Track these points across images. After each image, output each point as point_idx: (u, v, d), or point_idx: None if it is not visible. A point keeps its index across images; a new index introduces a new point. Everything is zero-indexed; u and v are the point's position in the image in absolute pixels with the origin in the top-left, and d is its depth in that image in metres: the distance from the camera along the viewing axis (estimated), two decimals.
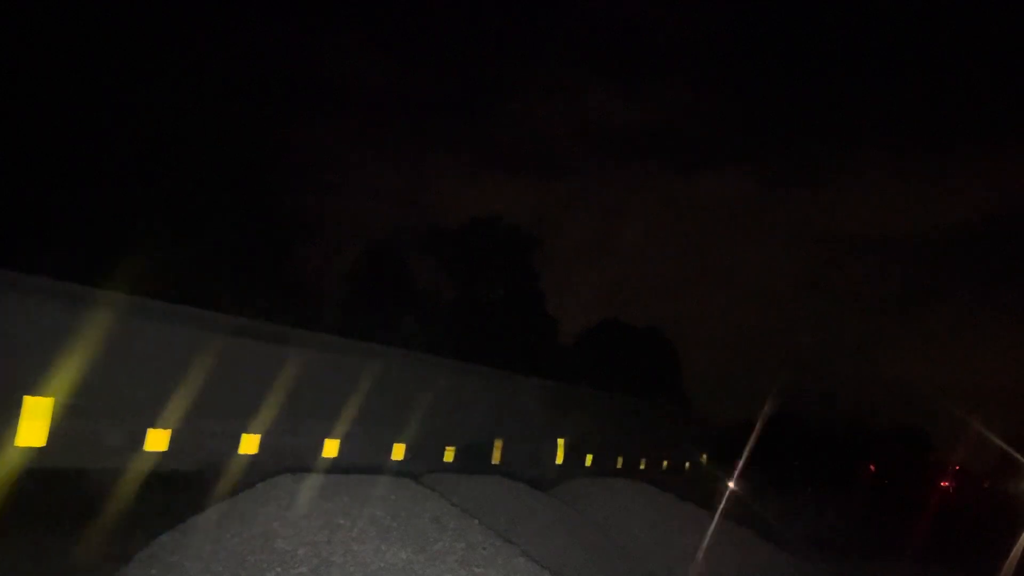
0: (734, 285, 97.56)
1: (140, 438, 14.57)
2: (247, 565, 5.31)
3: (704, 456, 42.21)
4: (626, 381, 39.94)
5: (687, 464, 40.14)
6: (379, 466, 18.58)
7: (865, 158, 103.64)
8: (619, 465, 32.31)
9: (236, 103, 30.25)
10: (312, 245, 35.15)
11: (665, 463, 37.29)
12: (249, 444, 16.78)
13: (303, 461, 17.01)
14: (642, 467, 34.26)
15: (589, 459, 30.07)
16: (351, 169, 68.10)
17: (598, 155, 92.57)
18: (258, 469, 15.92)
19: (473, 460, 22.87)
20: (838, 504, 27.73)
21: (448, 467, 21.68)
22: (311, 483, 6.25)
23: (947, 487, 55.94)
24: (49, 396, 12.97)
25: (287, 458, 16.87)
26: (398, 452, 20.72)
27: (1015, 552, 18.28)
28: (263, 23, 49.42)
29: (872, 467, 58.72)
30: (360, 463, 18.27)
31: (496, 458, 24.78)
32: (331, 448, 18.97)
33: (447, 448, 22.61)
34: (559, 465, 27.75)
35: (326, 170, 60.23)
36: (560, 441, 28.59)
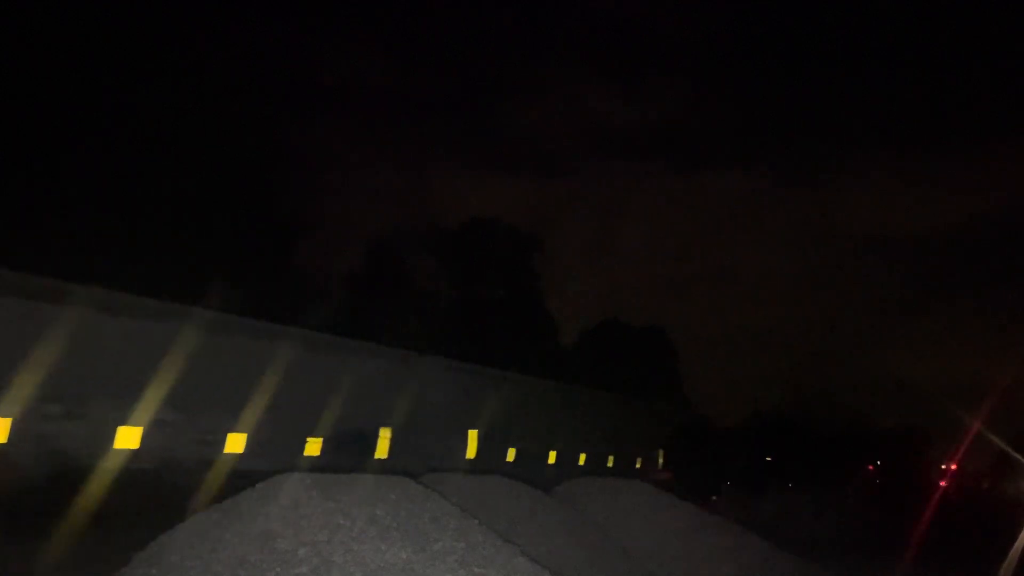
0: (734, 285, 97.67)
1: None
2: (247, 565, 5.31)
3: (661, 452, 39.15)
4: (626, 381, 39.91)
5: (639, 461, 36.83)
6: (208, 460, 16.05)
7: (865, 158, 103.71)
8: (551, 460, 29.17)
9: (236, 103, 30.27)
10: (312, 245, 35.21)
11: (611, 459, 33.86)
12: None
13: (83, 453, 14.06)
14: (581, 463, 31.17)
15: (512, 453, 26.87)
16: (351, 169, 68.11)
17: (598, 155, 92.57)
18: (8, 462, 13.22)
19: (349, 453, 19.89)
20: (838, 504, 27.73)
21: (314, 462, 18.65)
22: (311, 483, 6.26)
23: (946, 487, 55.91)
24: None
25: (58, 448, 13.88)
26: (235, 444, 17.18)
27: (1014, 552, 18.30)
28: (263, 23, 49.42)
29: (872, 467, 58.73)
30: (176, 456, 15.64)
31: (382, 451, 21.55)
32: (128, 438, 15.13)
33: (309, 439, 19.31)
34: (470, 460, 24.66)
35: (326, 170, 60.26)
36: (472, 432, 25.27)
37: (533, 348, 37.53)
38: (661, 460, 39.16)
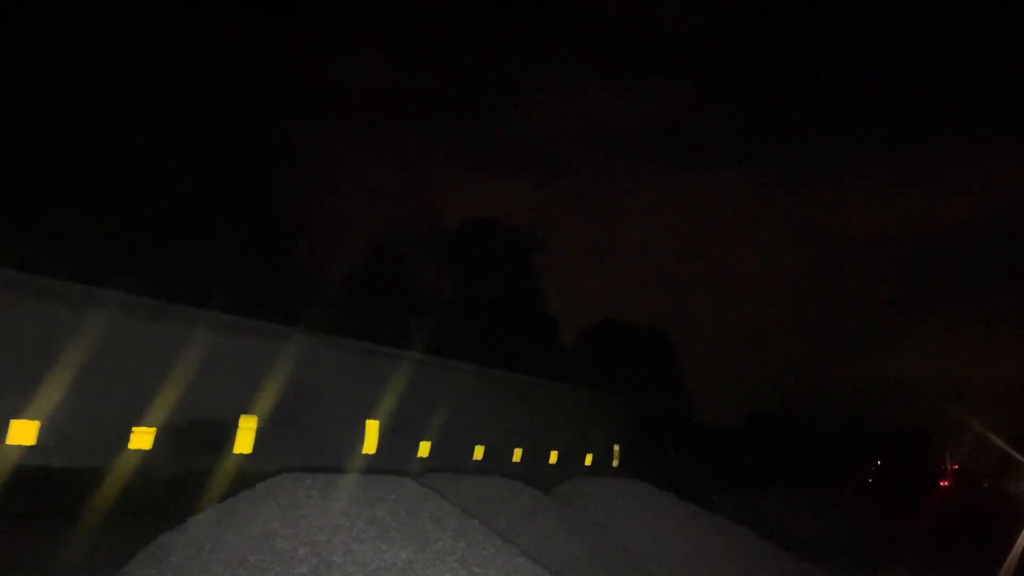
0: (734, 285, 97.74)
1: None
2: (247, 565, 5.31)
3: (617, 447, 36.50)
4: (626, 381, 39.90)
5: (589, 457, 33.73)
6: None
7: (865, 158, 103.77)
8: (478, 456, 25.86)
9: (236, 103, 30.29)
10: (312, 245, 35.25)
11: (554, 455, 30.61)
12: None
13: None
14: (516, 459, 28.09)
15: (426, 448, 23.64)
16: (351, 169, 68.24)
17: (598, 155, 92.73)
18: None
19: (198, 446, 16.68)
20: (838, 504, 27.71)
21: (149, 455, 15.51)
22: (311, 483, 6.27)
23: (947, 487, 55.94)
24: None
25: None
26: (23, 434, 14.07)
27: (1014, 552, 18.30)
28: (264, 23, 49.46)
29: (872, 467, 58.79)
30: None
31: (244, 445, 18.29)
32: None
33: (136, 429, 15.89)
34: (368, 456, 21.45)
35: (326, 170, 60.35)
36: (371, 423, 21.97)
37: (533, 348, 37.54)
38: (616, 459, 36.74)
